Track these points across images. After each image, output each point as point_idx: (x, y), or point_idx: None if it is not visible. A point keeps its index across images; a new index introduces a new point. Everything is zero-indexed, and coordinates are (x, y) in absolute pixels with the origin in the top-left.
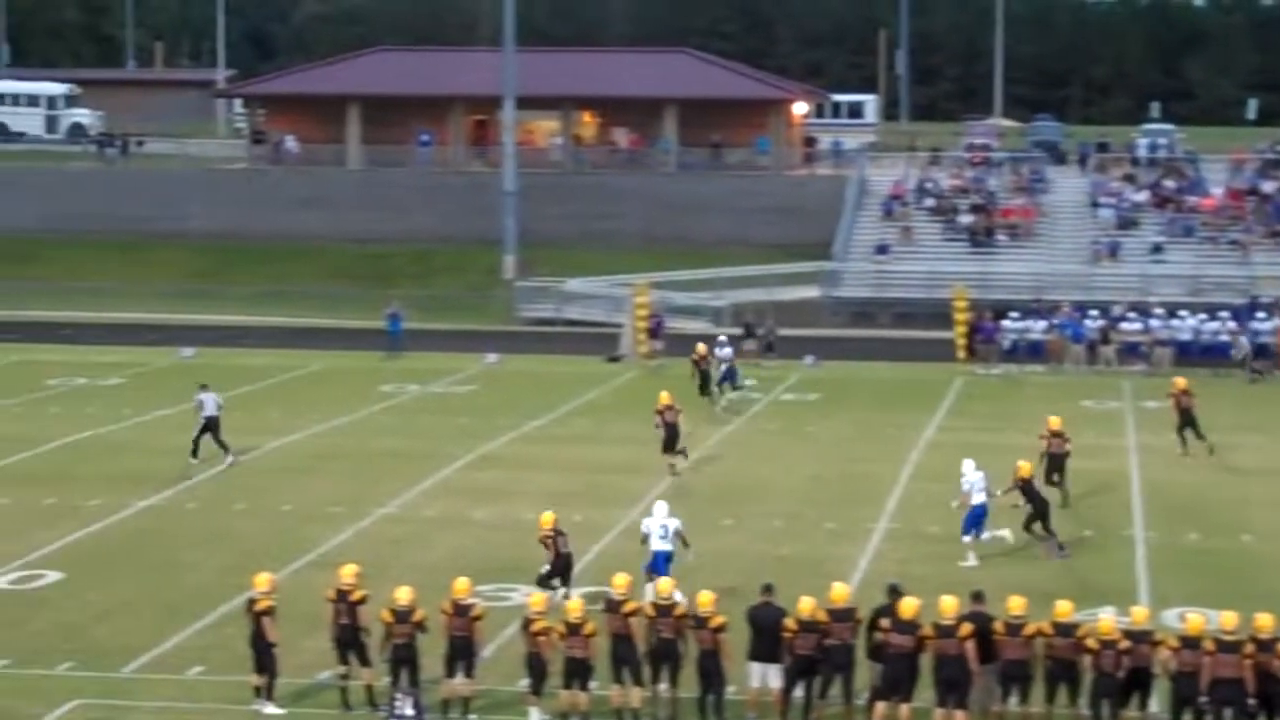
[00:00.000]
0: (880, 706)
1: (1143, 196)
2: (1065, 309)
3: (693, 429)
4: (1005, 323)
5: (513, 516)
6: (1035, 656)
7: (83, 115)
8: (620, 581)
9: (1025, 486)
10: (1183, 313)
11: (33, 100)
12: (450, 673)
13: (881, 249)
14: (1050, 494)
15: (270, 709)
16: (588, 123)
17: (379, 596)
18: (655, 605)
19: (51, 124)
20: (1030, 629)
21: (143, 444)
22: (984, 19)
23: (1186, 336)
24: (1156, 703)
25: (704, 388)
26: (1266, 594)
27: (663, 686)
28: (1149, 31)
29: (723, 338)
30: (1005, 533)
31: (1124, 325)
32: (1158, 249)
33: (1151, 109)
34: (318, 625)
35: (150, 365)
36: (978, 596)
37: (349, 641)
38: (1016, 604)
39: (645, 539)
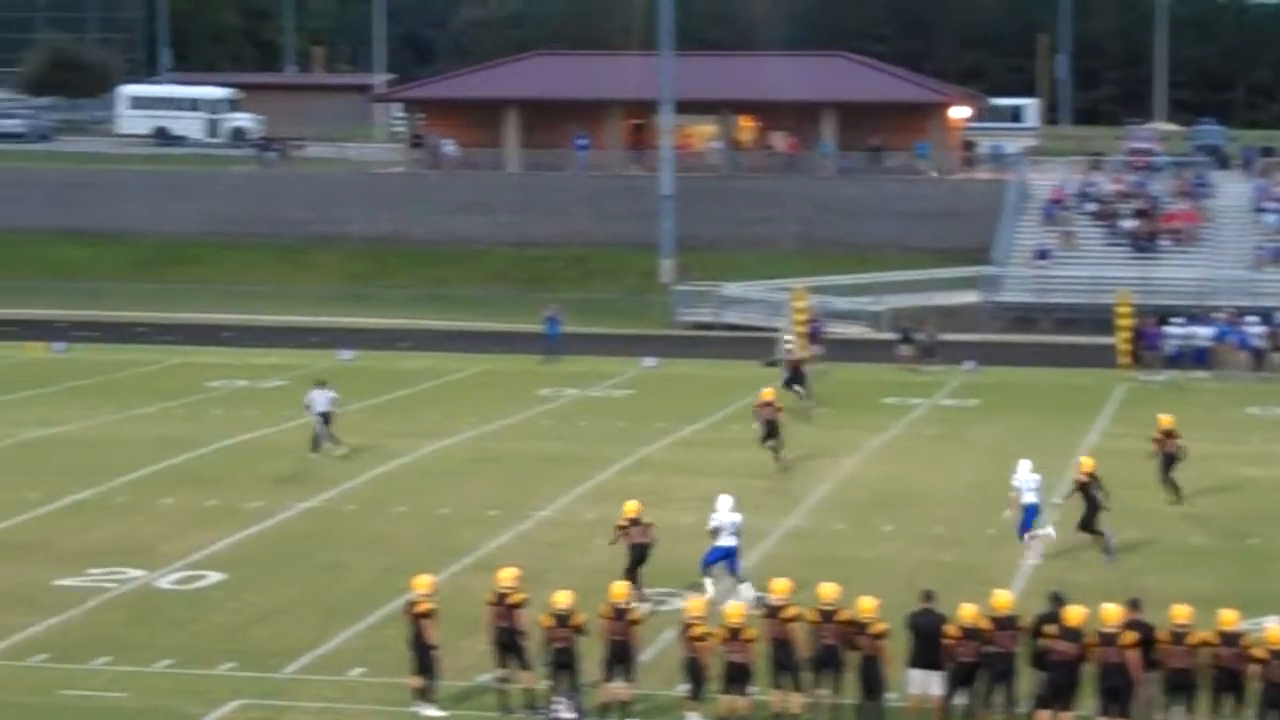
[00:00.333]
0: (1043, 715)
1: None
2: (1226, 314)
3: (854, 434)
4: (1168, 328)
5: (670, 521)
6: (1200, 666)
7: (243, 120)
8: (779, 587)
9: (1084, 486)
10: None
11: (194, 105)
12: (608, 676)
13: (1042, 254)
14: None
15: (430, 711)
16: (746, 126)
17: (537, 600)
18: (819, 610)
19: (212, 128)
20: (1195, 638)
21: (303, 446)
22: (1146, 22)
23: None
24: None
25: (793, 382)
26: None
27: (823, 692)
28: None
29: (788, 337)
30: (1049, 530)
31: None
32: None
33: None
34: (477, 628)
35: (309, 368)
36: (1135, 604)
37: (508, 644)
38: (1181, 612)
39: (715, 533)
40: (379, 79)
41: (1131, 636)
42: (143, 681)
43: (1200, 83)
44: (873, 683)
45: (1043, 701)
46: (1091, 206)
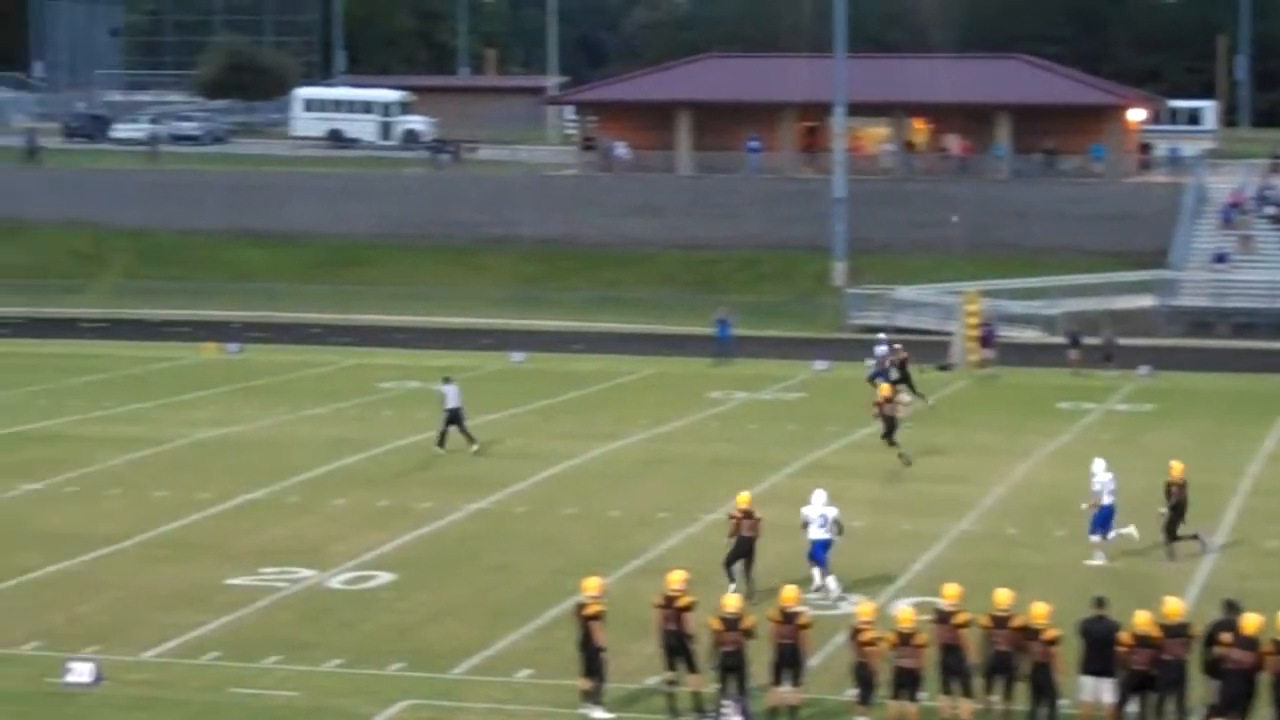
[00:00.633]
0: None
1: None
2: None
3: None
4: None
5: (842, 525)
6: None
7: (416, 122)
8: (951, 592)
9: (1172, 489)
10: None
11: (367, 107)
12: (777, 680)
13: (1220, 258)
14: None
15: (598, 713)
16: (919, 129)
17: (706, 603)
18: (992, 616)
19: (385, 130)
20: None
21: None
22: None
23: None
24: None
25: (902, 382)
26: None
27: (994, 698)
28: None
29: (881, 336)
30: (1131, 529)
31: None
32: None
33: None
34: (645, 631)
35: (481, 369)
36: None
37: (676, 648)
38: None
39: (805, 525)
40: (551, 81)
41: None
42: (313, 681)
43: None
44: (1045, 689)
45: (1216, 710)
46: (1270, 210)
